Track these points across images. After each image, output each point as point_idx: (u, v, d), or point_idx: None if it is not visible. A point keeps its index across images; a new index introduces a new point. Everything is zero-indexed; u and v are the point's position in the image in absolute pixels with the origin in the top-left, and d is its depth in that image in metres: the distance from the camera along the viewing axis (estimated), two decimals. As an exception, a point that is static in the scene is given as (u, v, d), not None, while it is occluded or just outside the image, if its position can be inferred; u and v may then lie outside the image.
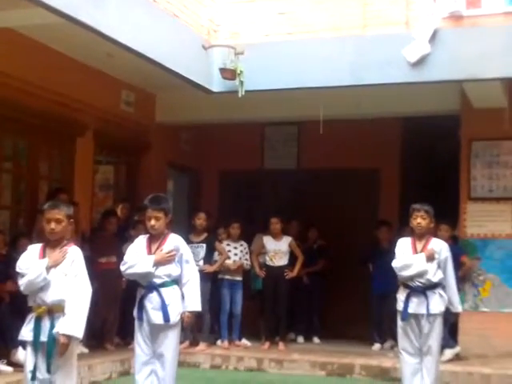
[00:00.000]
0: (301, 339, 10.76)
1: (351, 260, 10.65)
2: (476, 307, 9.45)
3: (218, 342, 10.05)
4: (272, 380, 8.62)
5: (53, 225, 5.04)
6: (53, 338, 4.93)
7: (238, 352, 9.61)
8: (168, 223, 6.06)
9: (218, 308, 10.09)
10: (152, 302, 5.81)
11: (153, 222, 5.93)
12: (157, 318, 5.79)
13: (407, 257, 6.70)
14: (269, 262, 10.11)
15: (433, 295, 6.65)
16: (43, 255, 5.07)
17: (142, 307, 5.87)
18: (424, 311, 6.63)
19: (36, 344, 4.96)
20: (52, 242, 5.11)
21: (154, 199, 6.09)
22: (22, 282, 5.01)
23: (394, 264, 6.75)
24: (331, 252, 10.99)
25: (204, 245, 9.81)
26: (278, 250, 10.06)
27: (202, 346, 9.71)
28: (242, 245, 10.25)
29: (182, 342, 9.61)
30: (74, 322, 4.93)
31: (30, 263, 5.02)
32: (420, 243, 6.77)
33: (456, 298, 6.88)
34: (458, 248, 9.37)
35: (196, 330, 9.97)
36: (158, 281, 5.83)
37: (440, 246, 6.80)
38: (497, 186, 9.52)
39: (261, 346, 9.97)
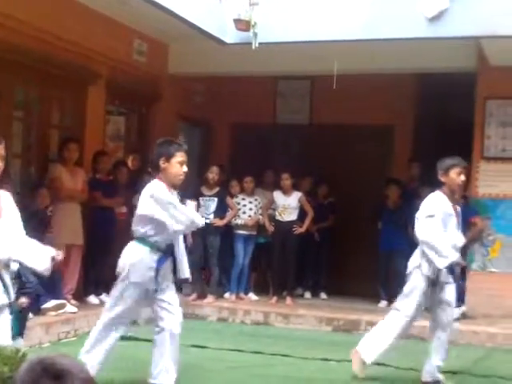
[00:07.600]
0: (308, 295, 10.80)
1: (361, 217, 10.62)
2: (484, 267, 9.42)
3: (226, 295, 10.10)
4: (278, 334, 8.65)
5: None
6: None
7: (246, 305, 9.66)
8: None
9: (226, 262, 10.12)
10: None
11: None
12: None
13: (454, 235, 6.05)
14: (278, 217, 10.10)
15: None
16: None
17: None
18: None
19: None
20: None
21: None
22: None
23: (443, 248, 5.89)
24: (341, 209, 10.96)
25: (215, 198, 9.81)
26: (287, 205, 10.03)
27: (209, 298, 9.76)
28: (256, 199, 10.26)
29: (189, 295, 9.70)
30: None
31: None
32: (454, 207, 6.19)
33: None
34: (470, 208, 9.32)
35: (204, 282, 10.02)
36: None
37: None
38: (511, 145, 9.41)
39: (268, 301, 10.01)
